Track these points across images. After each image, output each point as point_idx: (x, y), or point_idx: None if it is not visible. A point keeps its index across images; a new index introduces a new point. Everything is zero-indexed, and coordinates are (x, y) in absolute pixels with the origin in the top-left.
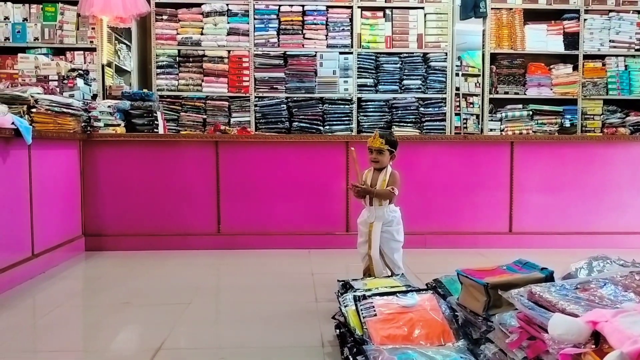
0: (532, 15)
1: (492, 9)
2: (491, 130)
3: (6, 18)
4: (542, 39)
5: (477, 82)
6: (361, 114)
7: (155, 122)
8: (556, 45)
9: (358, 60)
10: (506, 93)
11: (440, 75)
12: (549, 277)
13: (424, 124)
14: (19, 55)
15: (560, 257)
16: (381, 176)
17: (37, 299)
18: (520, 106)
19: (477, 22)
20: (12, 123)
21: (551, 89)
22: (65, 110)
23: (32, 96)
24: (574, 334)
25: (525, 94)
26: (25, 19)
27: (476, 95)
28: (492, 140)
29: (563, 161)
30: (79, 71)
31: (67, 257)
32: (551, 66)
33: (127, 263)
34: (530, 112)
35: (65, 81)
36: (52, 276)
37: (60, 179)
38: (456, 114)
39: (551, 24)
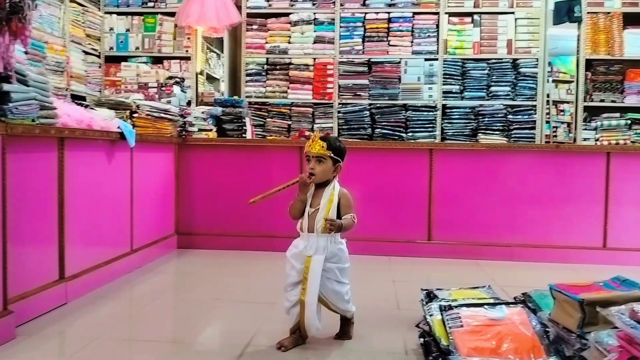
0: (632, 19)
1: (587, 13)
2: (585, 139)
3: (111, 29)
4: None
5: (569, 88)
6: (445, 121)
7: (244, 127)
8: None
9: (444, 67)
10: (602, 101)
11: (530, 81)
12: None
13: (512, 132)
14: (122, 63)
15: None
16: (326, 195)
17: (135, 291)
18: (617, 115)
19: (571, 27)
20: (118, 127)
21: None
22: (163, 115)
23: (134, 102)
24: None
25: (622, 102)
26: (127, 30)
27: (567, 102)
28: (587, 150)
29: None
30: (176, 79)
31: (161, 253)
32: None
33: (216, 261)
34: (629, 122)
35: (163, 88)
36: (148, 271)
37: (157, 180)
38: (546, 122)
39: None
